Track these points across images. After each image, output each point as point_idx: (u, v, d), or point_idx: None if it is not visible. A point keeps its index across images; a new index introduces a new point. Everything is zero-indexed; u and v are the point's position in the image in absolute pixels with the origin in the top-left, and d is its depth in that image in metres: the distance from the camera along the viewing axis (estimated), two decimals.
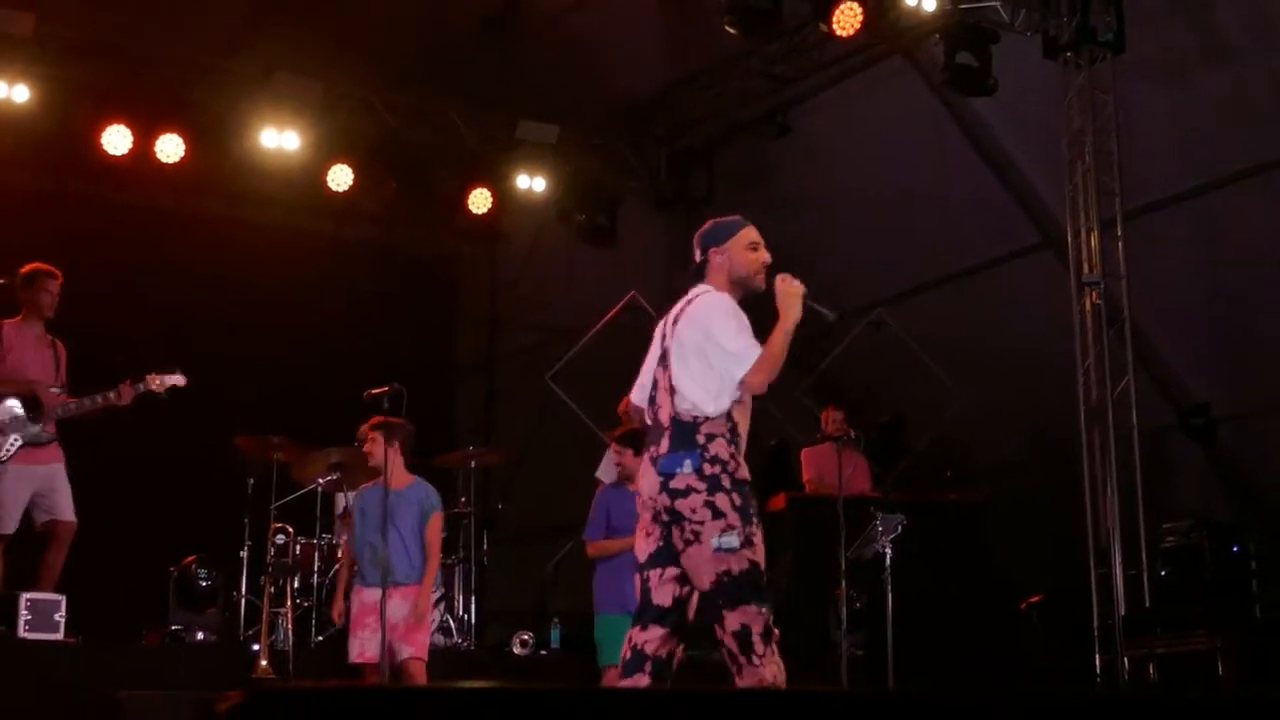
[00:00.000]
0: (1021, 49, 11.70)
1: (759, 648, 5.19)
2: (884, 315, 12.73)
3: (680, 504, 5.29)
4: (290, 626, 9.63)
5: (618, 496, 8.27)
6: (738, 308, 5.65)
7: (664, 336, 5.67)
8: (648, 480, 5.43)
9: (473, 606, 10.98)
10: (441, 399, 14.62)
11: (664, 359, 5.59)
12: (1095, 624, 10.88)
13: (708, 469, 5.29)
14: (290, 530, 10.17)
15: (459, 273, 15.58)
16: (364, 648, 8.00)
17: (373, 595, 7.94)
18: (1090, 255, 11.48)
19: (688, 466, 5.30)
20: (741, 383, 5.42)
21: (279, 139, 12.40)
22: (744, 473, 5.37)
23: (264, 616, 9.43)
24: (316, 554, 10.31)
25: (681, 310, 5.68)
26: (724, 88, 13.68)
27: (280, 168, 12.69)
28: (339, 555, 9.66)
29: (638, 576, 5.53)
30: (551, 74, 13.74)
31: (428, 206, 13.87)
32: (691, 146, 14.66)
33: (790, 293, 5.65)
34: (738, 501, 5.29)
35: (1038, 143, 12.53)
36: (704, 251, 5.81)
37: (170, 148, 12.24)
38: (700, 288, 5.72)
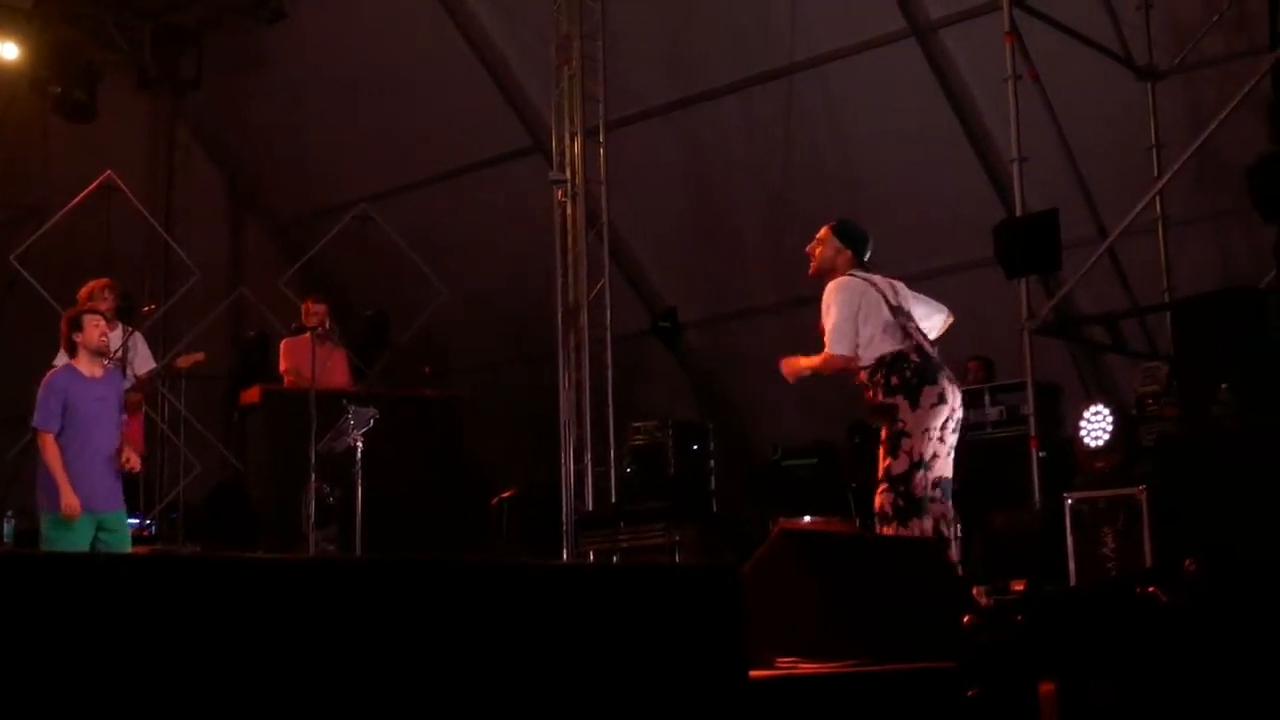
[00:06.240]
0: None
1: None
2: (370, 209, 12.61)
3: None
4: None
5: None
6: None
7: (887, 297, 6.75)
8: (958, 395, 6.68)
9: None
10: None
11: (907, 313, 6.77)
12: (564, 519, 11.28)
13: None
14: None
15: None
16: None
17: None
18: (573, 160, 11.75)
19: None
20: None
21: None
22: None
23: None
24: None
25: (894, 286, 6.90)
26: None
27: None
28: None
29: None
30: None
31: None
32: (180, 24, 14.01)
33: None
34: None
35: (530, 46, 12.68)
36: None
37: None
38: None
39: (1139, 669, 3.83)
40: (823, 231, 6.97)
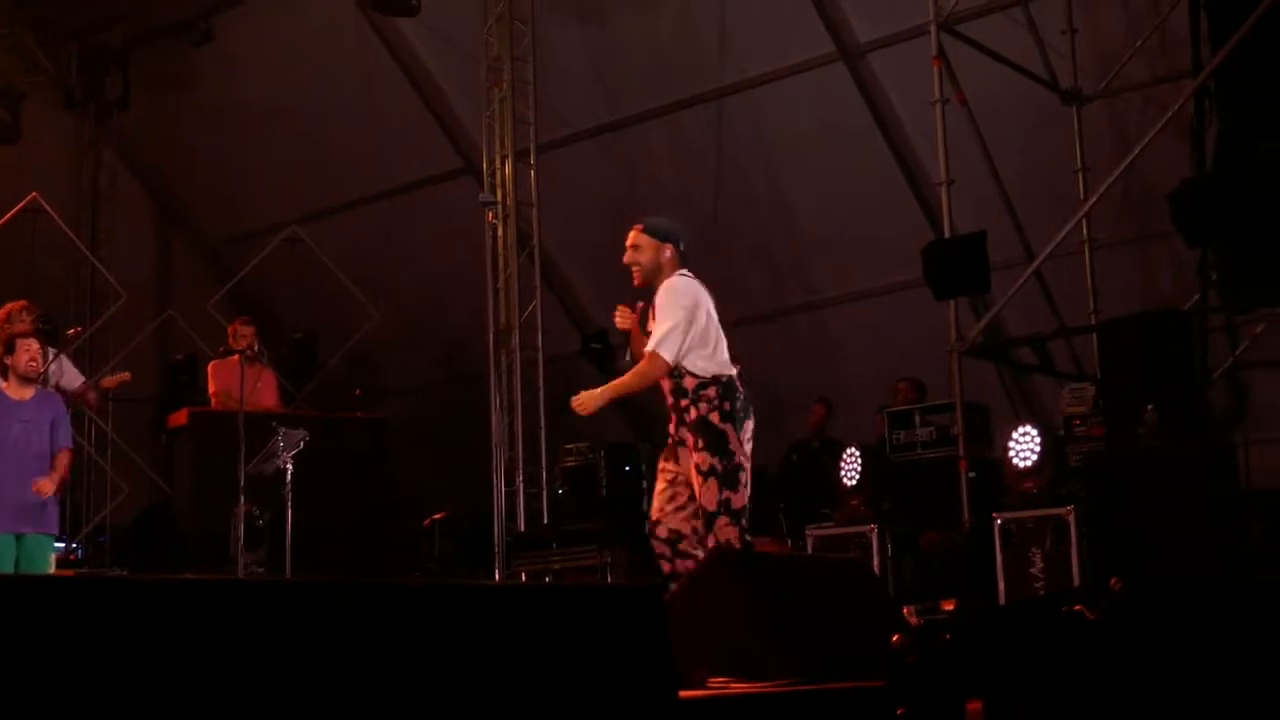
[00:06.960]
0: None
1: None
2: (299, 231, 12.54)
3: None
4: None
5: None
6: None
7: (713, 311, 6.10)
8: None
9: None
10: None
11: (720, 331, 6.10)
12: (496, 540, 11.24)
13: None
14: None
15: None
16: None
17: None
18: (504, 182, 11.76)
19: None
20: None
21: None
22: None
23: None
24: None
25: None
26: None
27: None
28: None
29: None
30: None
31: None
32: (106, 45, 13.91)
33: None
34: None
35: (460, 68, 12.68)
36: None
37: None
38: None
39: (1064, 687, 3.86)
40: (633, 236, 6.14)
